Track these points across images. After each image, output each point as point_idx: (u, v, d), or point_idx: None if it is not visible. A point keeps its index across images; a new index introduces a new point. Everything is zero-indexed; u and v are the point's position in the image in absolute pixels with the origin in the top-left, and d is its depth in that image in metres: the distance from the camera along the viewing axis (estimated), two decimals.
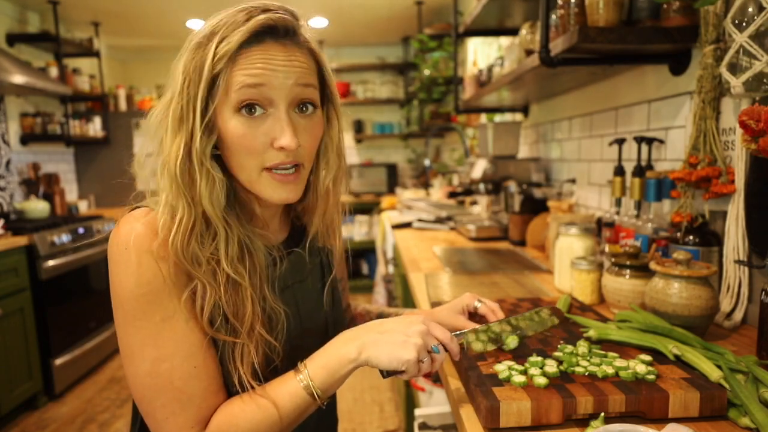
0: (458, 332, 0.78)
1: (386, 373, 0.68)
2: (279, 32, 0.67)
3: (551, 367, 0.74)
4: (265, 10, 0.66)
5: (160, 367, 0.64)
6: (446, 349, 0.70)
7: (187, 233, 0.65)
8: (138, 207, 0.69)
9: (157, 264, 0.64)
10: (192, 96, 0.65)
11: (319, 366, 0.67)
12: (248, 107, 0.66)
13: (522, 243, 1.98)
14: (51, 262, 2.94)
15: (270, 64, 0.65)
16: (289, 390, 0.66)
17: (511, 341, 0.80)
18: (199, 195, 0.66)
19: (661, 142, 1.34)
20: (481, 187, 2.41)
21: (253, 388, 0.67)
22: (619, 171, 1.38)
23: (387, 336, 0.66)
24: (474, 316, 0.92)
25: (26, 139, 3.69)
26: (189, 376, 0.65)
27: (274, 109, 0.67)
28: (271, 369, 0.71)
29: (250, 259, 0.71)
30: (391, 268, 2.97)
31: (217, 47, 0.64)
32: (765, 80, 0.92)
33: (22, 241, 2.78)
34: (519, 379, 0.70)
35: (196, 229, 0.66)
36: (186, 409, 0.65)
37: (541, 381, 0.69)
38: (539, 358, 0.76)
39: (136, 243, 0.64)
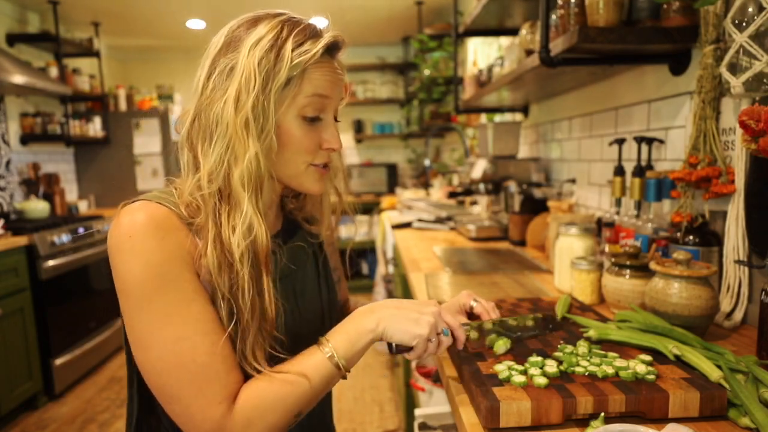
0: (462, 324, 0.80)
1: (396, 349, 0.71)
2: (338, 50, 0.75)
3: (551, 367, 0.74)
4: (337, 36, 0.73)
5: (181, 346, 0.64)
6: (453, 336, 0.74)
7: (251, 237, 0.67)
8: (135, 201, 0.69)
9: (164, 246, 0.64)
10: (267, 96, 0.67)
11: (342, 338, 0.70)
12: (311, 114, 0.72)
13: (522, 243, 1.98)
14: (51, 262, 2.94)
15: (335, 79, 0.73)
16: (315, 362, 0.68)
17: (500, 347, 0.81)
18: (262, 196, 0.70)
19: (661, 142, 1.34)
20: (481, 187, 2.41)
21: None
22: (619, 171, 1.38)
23: (403, 312, 0.71)
24: (471, 315, 0.93)
25: (26, 139, 3.69)
26: (211, 351, 0.65)
27: (326, 116, 0.74)
28: (275, 358, 0.71)
29: None
30: (391, 268, 2.97)
31: (293, 51, 0.68)
32: (765, 80, 0.92)
33: (22, 241, 2.78)
34: (519, 379, 0.70)
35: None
36: (212, 385, 0.64)
37: (541, 381, 0.69)
38: (539, 358, 0.76)
39: (140, 230, 0.64)
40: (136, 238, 0.64)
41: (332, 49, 0.73)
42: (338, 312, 0.93)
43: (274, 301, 0.70)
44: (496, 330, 0.84)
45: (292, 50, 0.68)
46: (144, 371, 0.66)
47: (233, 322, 0.67)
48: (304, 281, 0.85)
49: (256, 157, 0.67)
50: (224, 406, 0.65)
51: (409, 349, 0.70)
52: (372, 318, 0.70)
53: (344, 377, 0.71)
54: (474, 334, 0.82)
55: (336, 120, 0.77)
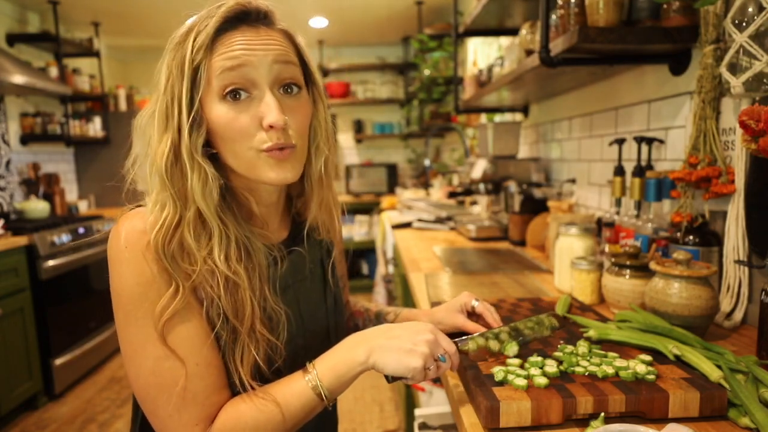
0: (464, 338, 0.78)
1: (391, 378, 0.68)
2: (252, 17, 0.68)
3: (551, 367, 0.74)
4: (238, 3, 0.68)
5: (162, 365, 0.64)
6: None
7: (170, 232, 0.65)
8: (137, 206, 0.69)
9: (156, 262, 0.64)
10: (177, 92, 0.66)
11: (328, 367, 0.67)
12: (233, 93, 0.66)
13: (522, 243, 1.98)
14: (51, 262, 2.94)
15: (247, 45, 0.66)
16: (297, 389, 0.66)
17: (510, 348, 0.80)
18: (191, 191, 0.66)
19: (661, 142, 1.34)
20: (481, 187, 2.41)
21: (253, 388, 0.67)
22: (619, 171, 1.38)
23: (395, 342, 0.66)
24: (472, 315, 0.92)
25: (26, 139, 3.69)
26: (192, 373, 0.65)
27: (259, 91, 0.67)
28: (273, 370, 0.71)
29: (249, 259, 0.71)
30: (391, 268, 2.97)
31: (194, 40, 0.65)
32: (765, 80, 0.92)
33: (22, 241, 2.78)
34: (519, 379, 0.70)
35: (182, 228, 0.66)
36: (190, 407, 0.64)
37: (542, 381, 0.69)
38: (539, 358, 0.76)
39: (135, 241, 0.64)
40: (131, 250, 0.64)
41: (242, 17, 0.68)
42: (344, 323, 0.91)
43: (275, 311, 0.69)
44: (514, 338, 0.82)
45: (196, 35, 0.66)
46: (130, 381, 0.67)
47: (225, 328, 0.66)
48: (308, 291, 0.82)
49: (165, 153, 0.66)
50: (200, 428, 0.65)
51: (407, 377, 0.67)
52: (363, 349, 0.66)
53: (329, 407, 0.68)
54: (473, 346, 0.79)
55: (287, 90, 0.69)
